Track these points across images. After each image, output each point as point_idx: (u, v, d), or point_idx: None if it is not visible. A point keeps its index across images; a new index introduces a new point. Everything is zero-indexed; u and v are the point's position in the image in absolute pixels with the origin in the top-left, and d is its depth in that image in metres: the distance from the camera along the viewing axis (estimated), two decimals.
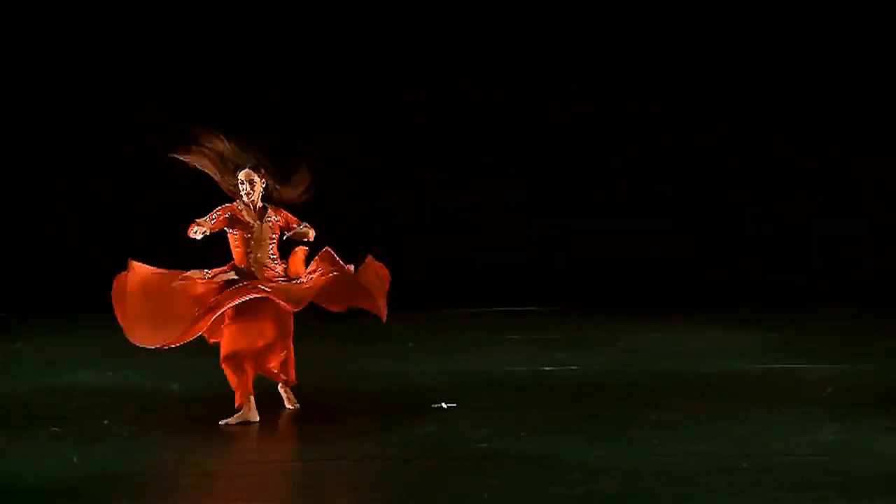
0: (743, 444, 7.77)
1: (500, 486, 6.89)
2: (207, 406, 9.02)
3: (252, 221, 8.51)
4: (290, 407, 8.81)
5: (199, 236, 8.23)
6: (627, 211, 14.95)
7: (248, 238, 8.47)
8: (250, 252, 8.48)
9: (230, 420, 8.32)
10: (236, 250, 8.54)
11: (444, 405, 8.98)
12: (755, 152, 14.88)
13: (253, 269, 8.48)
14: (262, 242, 8.51)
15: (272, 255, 8.55)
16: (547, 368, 10.62)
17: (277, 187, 8.57)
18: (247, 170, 8.51)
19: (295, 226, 8.62)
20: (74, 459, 7.49)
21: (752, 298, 14.54)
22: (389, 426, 8.39)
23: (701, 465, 7.28)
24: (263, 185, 8.55)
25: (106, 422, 8.50)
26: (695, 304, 14.23)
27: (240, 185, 8.51)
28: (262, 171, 8.55)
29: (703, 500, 6.62)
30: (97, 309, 13.66)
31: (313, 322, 13.15)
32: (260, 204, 8.58)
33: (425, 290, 14.55)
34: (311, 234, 8.62)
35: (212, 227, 8.35)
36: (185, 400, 9.30)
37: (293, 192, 8.62)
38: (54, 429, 8.25)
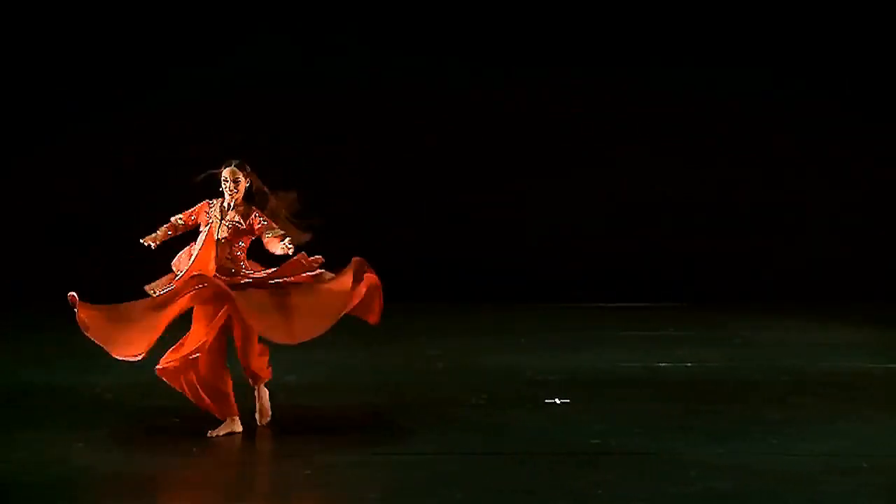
0: (863, 445, 7.63)
1: (614, 483, 6.85)
2: (323, 399, 9.11)
3: (212, 219, 7.99)
4: (263, 422, 8.15)
5: (150, 244, 7.90)
6: (741, 207, 14.74)
7: (209, 236, 7.93)
8: (213, 251, 7.91)
9: (218, 431, 7.95)
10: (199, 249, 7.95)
11: (556, 401, 8.95)
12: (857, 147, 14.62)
13: (213, 269, 7.88)
14: (223, 242, 7.92)
15: (231, 256, 7.93)
16: (662, 365, 10.53)
17: (266, 190, 8.05)
18: (231, 167, 7.99)
19: (267, 231, 7.95)
20: (193, 450, 7.61)
21: (871, 295, 14.25)
22: (502, 421, 8.38)
23: (819, 464, 7.16)
24: (247, 185, 8.00)
25: (176, 419, 8.58)
26: (813, 300, 14.00)
27: (223, 183, 7.98)
28: (248, 169, 8.03)
29: (821, 500, 6.52)
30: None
31: (420, 316, 13.28)
32: (242, 205, 7.99)
33: (537, 286, 14.53)
34: (288, 239, 7.87)
35: (172, 231, 8.01)
36: (300, 391, 9.38)
37: (279, 203, 8.09)
38: (175, 419, 8.39)
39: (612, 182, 14.77)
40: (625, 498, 6.61)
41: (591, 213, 14.79)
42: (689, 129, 14.73)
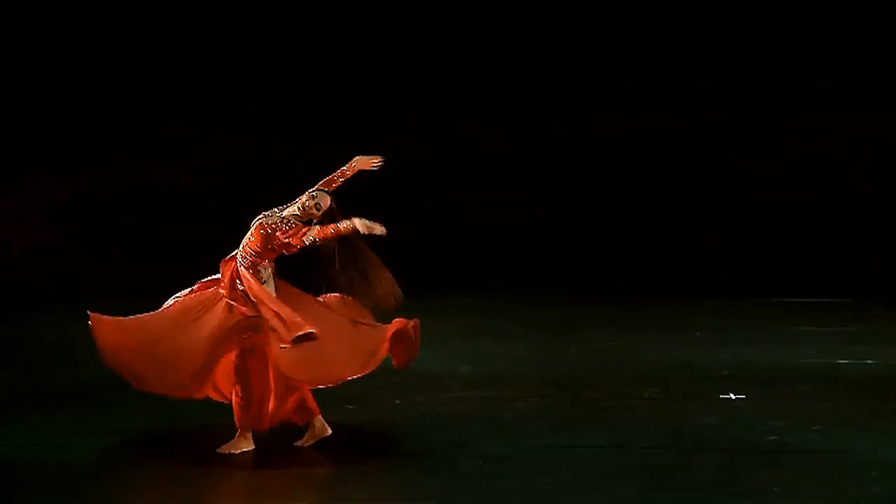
0: None
1: (791, 481, 6.72)
2: (496, 389, 9.14)
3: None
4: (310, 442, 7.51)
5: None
6: None
7: None
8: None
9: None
10: None
11: (732, 396, 8.82)
12: None
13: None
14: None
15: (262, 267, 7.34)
16: (842, 361, 10.27)
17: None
18: (325, 194, 7.38)
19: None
20: (367, 438, 7.72)
21: None
22: (675, 415, 8.29)
23: None
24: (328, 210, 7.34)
25: (398, 401, 8.72)
26: None
27: (314, 207, 7.35)
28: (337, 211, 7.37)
29: None
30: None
31: (595, 308, 13.22)
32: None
33: (710, 279, 14.37)
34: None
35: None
36: (473, 382, 9.43)
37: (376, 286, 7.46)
38: (349, 406, 8.52)
39: (788, 176, 14.51)
40: (802, 497, 6.47)
41: (772, 208, 14.56)
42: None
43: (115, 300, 13.55)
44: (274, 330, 7.10)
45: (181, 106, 14.74)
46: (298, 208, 7.34)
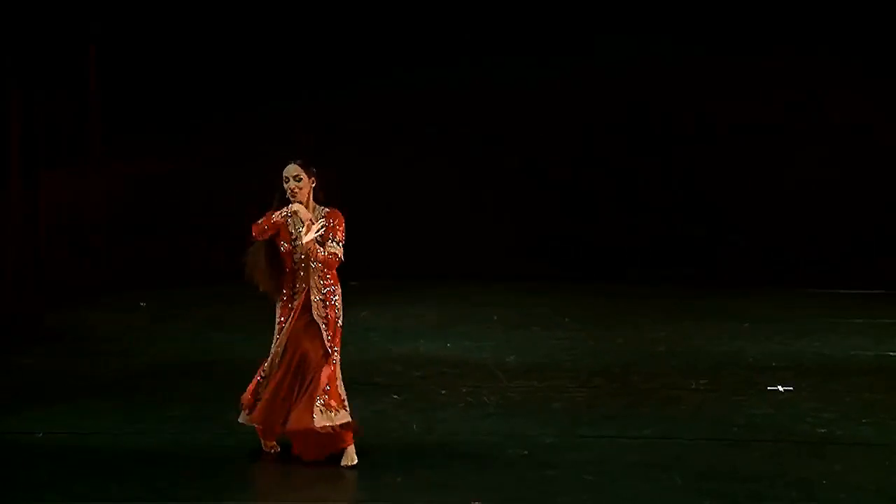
0: None
1: (840, 473, 6.67)
2: (543, 379, 9.13)
3: (294, 232, 6.97)
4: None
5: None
6: None
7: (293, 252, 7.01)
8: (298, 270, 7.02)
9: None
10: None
11: (780, 388, 8.76)
12: None
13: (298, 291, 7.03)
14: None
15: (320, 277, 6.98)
16: (892, 353, 10.18)
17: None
18: (294, 164, 6.90)
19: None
20: (414, 427, 7.74)
21: None
22: (724, 406, 8.25)
23: None
24: (312, 186, 6.94)
25: (443, 391, 8.73)
26: None
27: (284, 184, 6.89)
28: (314, 170, 6.96)
29: None
30: (434, 277, 14.33)
31: (644, 298, 13.17)
32: (313, 204, 6.98)
33: (760, 270, 14.28)
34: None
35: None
36: (520, 372, 9.43)
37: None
38: (395, 396, 8.55)
39: (844, 167, 14.38)
40: (851, 488, 6.43)
41: (823, 198, 14.43)
42: None
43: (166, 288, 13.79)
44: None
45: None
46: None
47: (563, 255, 14.68)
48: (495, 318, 12.00)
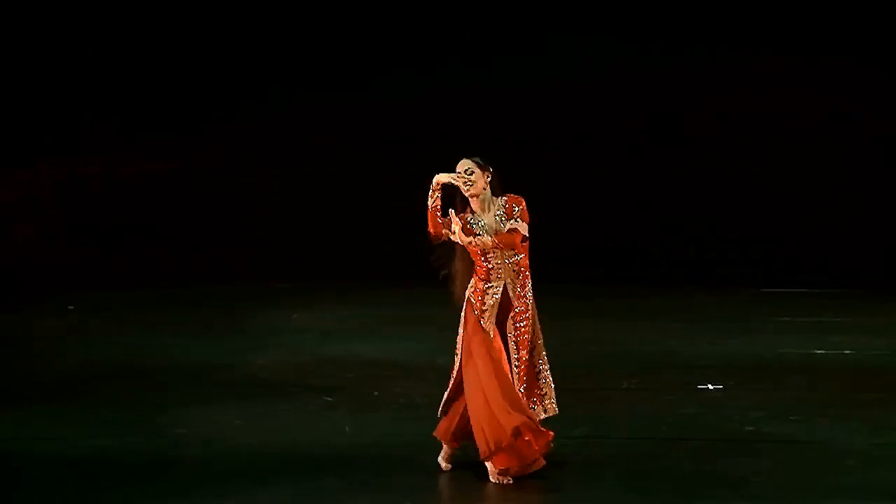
0: None
1: (768, 471, 6.74)
2: None
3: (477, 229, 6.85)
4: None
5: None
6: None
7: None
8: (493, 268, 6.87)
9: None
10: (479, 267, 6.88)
11: (710, 386, 8.84)
12: None
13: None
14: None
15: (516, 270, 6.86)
16: (820, 352, 10.31)
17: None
18: (466, 160, 6.88)
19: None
20: (347, 429, 7.72)
21: None
22: (657, 406, 8.32)
23: None
24: (488, 180, 6.88)
25: (376, 393, 8.72)
26: None
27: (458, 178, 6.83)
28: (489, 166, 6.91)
29: None
30: (371, 280, 14.32)
31: (577, 298, 13.24)
32: (490, 197, 6.90)
33: (693, 270, 14.40)
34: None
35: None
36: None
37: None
38: (328, 398, 8.52)
39: (772, 168, 14.54)
40: (779, 486, 6.50)
41: (754, 199, 14.59)
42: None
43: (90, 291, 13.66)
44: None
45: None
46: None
47: None
48: (432, 320, 11.99)
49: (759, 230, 14.53)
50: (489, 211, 6.86)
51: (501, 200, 6.89)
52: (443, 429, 6.91)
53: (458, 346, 6.89)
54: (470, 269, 6.93)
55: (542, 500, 6.49)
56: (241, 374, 9.46)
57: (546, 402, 6.95)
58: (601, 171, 14.77)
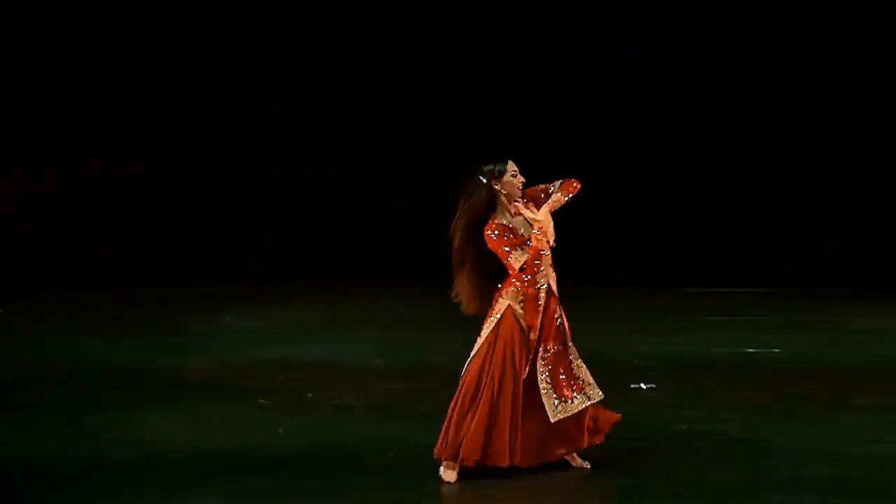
0: None
1: (701, 469, 6.78)
2: (409, 382, 9.14)
3: (522, 229, 6.72)
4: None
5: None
6: (833, 193, 14.52)
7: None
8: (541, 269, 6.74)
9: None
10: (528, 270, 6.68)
11: (643, 385, 8.89)
12: None
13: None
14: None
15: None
16: (751, 350, 10.41)
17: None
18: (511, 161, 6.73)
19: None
20: (280, 431, 7.68)
21: None
22: None
23: None
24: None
25: (310, 395, 8.68)
26: None
27: (512, 177, 6.69)
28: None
29: None
30: (306, 282, 14.27)
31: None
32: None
33: (622, 268, 14.48)
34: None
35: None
36: (387, 375, 9.42)
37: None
38: (261, 401, 8.48)
39: (704, 166, 14.64)
40: (712, 484, 6.54)
41: (682, 196, 14.68)
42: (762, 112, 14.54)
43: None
44: None
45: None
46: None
47: (438, 258, 14.70)
48: (368, 321, 12.01)
49: (691, 229, 14.61)
50: (514, 214, 6.72)
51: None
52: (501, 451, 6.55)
53: (486, 360, 6.63)
54: (484, 284, 6.74)
55: (475, 500, 6.48)
56: (174, 376, 9.39)
57: (588, 390, 6.82)
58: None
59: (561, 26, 14.57)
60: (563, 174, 6.85)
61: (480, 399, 6.62)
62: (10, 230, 14.59)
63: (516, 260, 6.63)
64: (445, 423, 6.71)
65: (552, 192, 6.72)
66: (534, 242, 6.61)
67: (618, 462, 6.96)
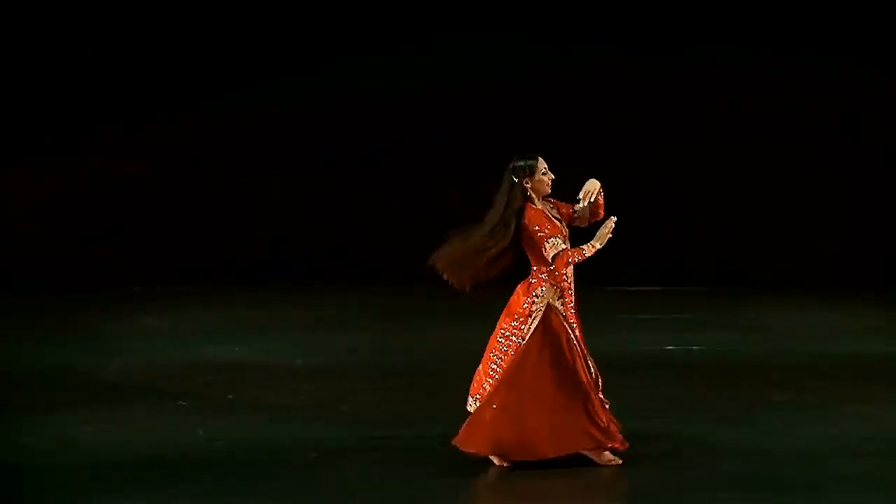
0: (868, 428, 7.62)
1: (618, 466, 6.83)
2: (331, 382, 9.12)
3: (559, 222, 6.84)
4: None
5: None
6: (751, 189, 14.66)
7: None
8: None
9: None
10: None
11: None
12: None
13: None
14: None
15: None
16: (670, 348, 10.52)
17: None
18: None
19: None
20: (200, 433, 7.63)
21: (881, 279, 14.19)
22: None
23: (825, 447, 7.17)
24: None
25: (230, 396, 8.64)
26: (821, 285, 13.96)
27: (541, 175, 6.81)
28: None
29: (826, 482, 6.52)
30: (225, 283, 14.15)
31: (441, 299, 13.28)
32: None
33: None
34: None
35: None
36: (309, 375, 9.40)
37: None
38: (181, 403, 8.41)
39: (627, 165, 14.72)
40: (630, 480, 6.61)
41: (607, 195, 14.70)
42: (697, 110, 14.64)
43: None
44: None
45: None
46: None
47: (359, 258, 14.67)
48: (286, 321, 11.97)
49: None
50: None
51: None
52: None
53: (521, 355, 6.73)
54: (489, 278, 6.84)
55: (398, 500, 6.49)
56: (92, 379, 9.28)
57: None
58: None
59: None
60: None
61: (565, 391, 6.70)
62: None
63: (553, 247, 6.68)
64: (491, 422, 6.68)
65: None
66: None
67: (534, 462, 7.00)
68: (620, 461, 6.77)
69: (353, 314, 12.39)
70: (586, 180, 6.92)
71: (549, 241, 6.69)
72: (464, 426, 6.82)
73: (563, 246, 6.73)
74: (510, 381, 6.74)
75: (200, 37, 14.59)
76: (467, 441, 6.77)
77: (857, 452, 7.04)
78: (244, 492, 6.49)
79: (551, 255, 6.69)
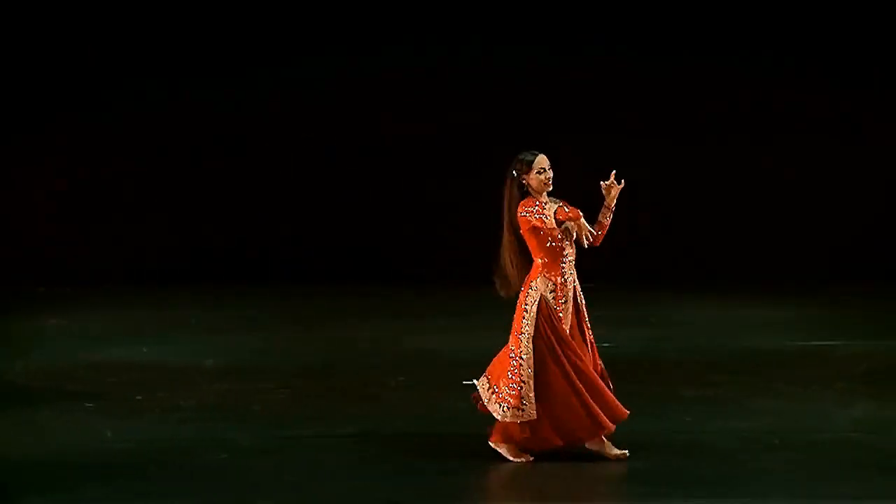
0: (777, 422, 7.75)
1: (532, 463, 6.87)
2: (240, 382, 9.06)
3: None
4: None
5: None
6: (655, 184, 14.79)
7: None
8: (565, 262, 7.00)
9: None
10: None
11: (475, 382, 8.95)
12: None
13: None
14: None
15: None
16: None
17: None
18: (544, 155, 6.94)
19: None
20: (108, 434, 7.53)
21: (785, 275, 14.41)
22: (425, 403, 8.40)
23: (735, 442, 7.27)
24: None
25: (139, 397, 8.54)
26: (729, 281, 14.15)
27: (539, 174, 6.90)
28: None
29: (736, 476, 6.62)
30: (134, 283, 14.00)
31: (348, 297, 13.23)
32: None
33: (464, 267, 14.54)
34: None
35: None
36: (219, 375, 9.32)
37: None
38: (88, 404, 8.30)
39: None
40: (543, 477, 6.65)
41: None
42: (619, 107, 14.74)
43: None
44: None
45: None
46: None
47: (268, 257, 14.59)
48: (193, 321, 11.86)
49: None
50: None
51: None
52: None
53: (530, 346, 6.94)
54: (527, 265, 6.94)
55: (311, 500, 6.46)
56: None
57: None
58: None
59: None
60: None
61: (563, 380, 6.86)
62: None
63: (549, 210, 6.73)
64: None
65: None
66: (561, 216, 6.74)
67: (457, 455, 7.02)
68: (627, 453, 6.87)
69: (266, 315, 12.32)
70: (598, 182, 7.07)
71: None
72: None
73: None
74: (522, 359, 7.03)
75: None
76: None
77: (765, 446, 7.15)
78: (155, 494, 6.43)
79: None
